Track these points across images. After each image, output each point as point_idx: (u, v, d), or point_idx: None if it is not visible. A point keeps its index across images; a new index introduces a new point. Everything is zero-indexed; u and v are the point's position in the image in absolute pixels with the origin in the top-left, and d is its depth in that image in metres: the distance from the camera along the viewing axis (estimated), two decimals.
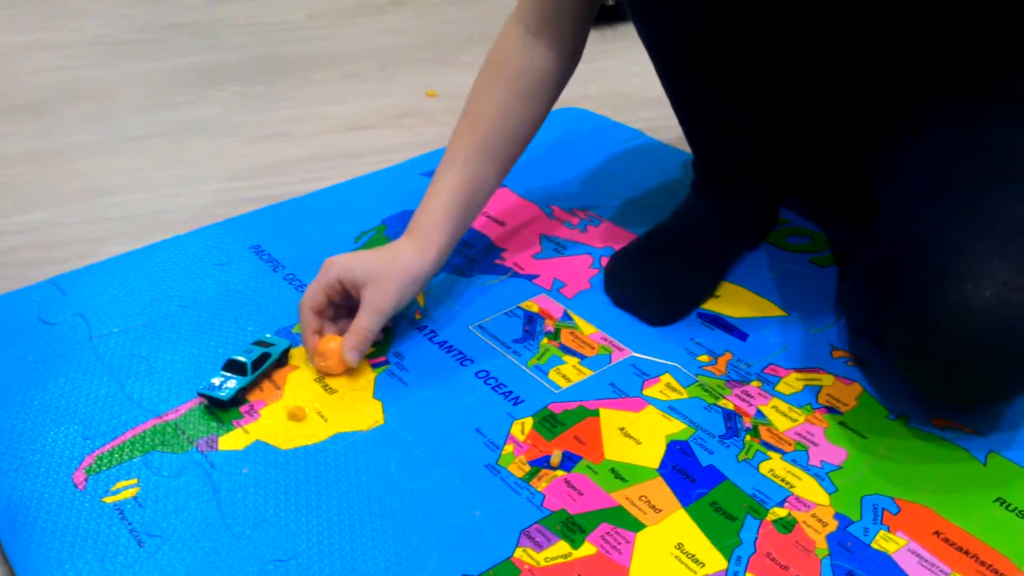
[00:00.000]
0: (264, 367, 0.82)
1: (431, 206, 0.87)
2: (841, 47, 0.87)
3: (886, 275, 0.74)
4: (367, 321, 0.81)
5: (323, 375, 0.82)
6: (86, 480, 0.72)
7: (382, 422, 0.78)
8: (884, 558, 0.64)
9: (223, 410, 0.79)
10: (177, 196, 1.14)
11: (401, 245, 0.86)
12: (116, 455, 0.74)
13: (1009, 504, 0.68)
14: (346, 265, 0.83)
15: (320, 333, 0.84)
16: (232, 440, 0.76)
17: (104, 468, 0.73)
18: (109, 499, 0.70)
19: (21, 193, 1.16)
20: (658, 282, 0.91)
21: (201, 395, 0.79)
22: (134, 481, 0.72)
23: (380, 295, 0.82)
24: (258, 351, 0.82)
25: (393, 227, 1.05)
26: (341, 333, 0.83)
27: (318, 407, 0.79)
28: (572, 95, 1.24)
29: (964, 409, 0.76)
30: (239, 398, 0.79)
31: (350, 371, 0.82)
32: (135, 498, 0.70)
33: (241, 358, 0.80)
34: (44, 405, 0.79)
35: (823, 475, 0.71)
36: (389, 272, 0.83)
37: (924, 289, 0.68)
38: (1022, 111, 0.79)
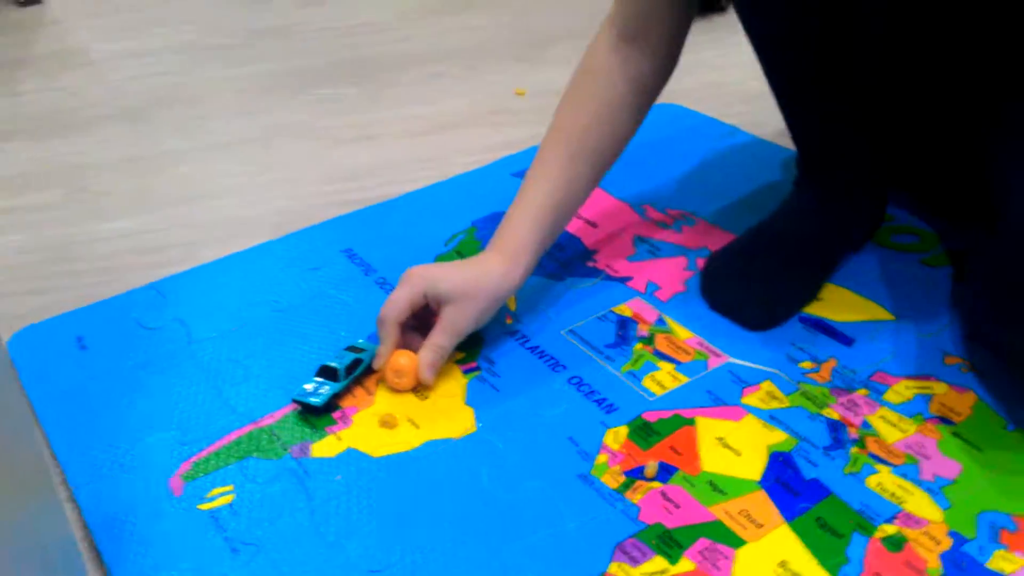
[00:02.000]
0: (356, 372, 0.81)
1: (518, 222, 0.85)
2: (953, 40, 0.82)
3: (1014, 281, 0.70)
4: (446, 340, 0.80)
5: (394, 390, 0.81)
6: (183, 486, 0.73)
7: (474, 430, 0.77)
8: None
9: (316, 416, 0.79)
10: (269, 200, 1.15)
11: (488, 262, 0.83)
12: (212, 461, 0.75)
13: None
14: (432, 280, 0.81)
15: (398, 347, 0.82)
16: (325, 447, 0.76)
17: (201, 474, 0.74)
18: (205, 506, 0.71)
19: (118, 200, 1.18)
20: (758, 285, 0.88)
21: (295, 401, 0.79)
22: (230, 488, 0.73)
23: (461, 315, 0.80)
24: (350, 357, 0.82)
25: (484, 228, 1.04)
26: (408, 346, 0.82)
27: (410, 414, 0.79)
28: (665, 89, 1.21)
29: None
30: (332, 404, 0.79)
31: (437, 377, 0.82)
32: (230, 505, 0.71)
33: (333, 364, 0.81)
34: (143, 411, 0.81)
35: (936, 490, 0.67)
36: (474, 292, 0.81)
37: None
38: None
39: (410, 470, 0.73)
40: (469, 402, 0.80)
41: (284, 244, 1.03)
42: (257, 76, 1.52)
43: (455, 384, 0.82)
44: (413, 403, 0.80)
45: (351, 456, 0.75)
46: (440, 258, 0.99)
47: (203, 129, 1.35)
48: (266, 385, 0.83)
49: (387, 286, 0.95)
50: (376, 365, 0.81)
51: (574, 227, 1.03)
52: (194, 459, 0.75)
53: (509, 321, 0.89)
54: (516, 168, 1.16)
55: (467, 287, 0.81)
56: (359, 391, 0.81)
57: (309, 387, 0.80)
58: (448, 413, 0.79)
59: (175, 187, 1.20)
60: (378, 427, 0.78)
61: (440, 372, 0.82)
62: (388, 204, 1.11)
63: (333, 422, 0.78)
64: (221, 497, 0.72)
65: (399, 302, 0.81)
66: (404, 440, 0.76)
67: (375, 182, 1.18)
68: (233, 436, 0.77)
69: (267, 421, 0.79)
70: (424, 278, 0.81)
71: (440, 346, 0.80)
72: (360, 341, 0.85)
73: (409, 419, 0.78)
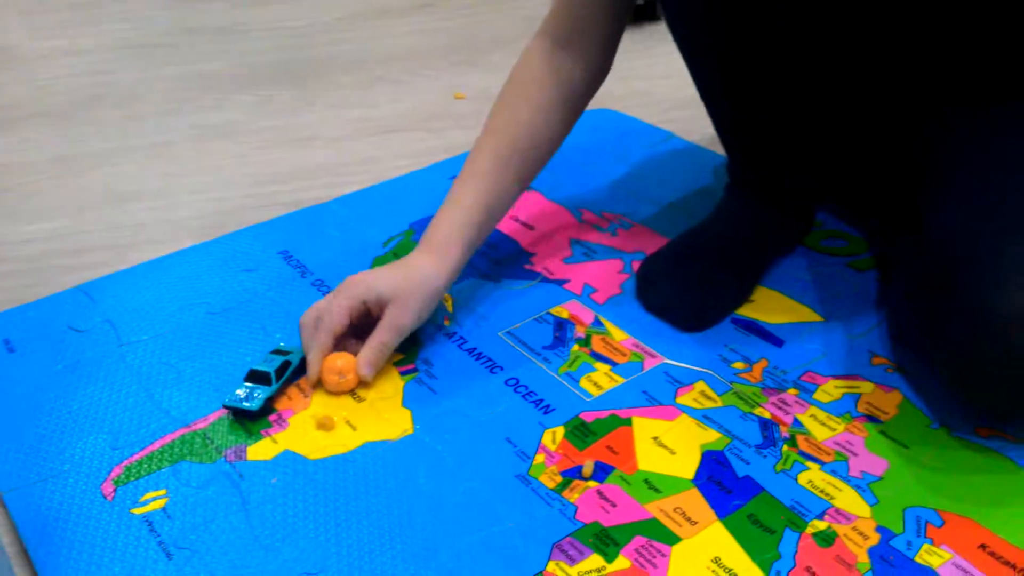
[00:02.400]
0: (287, 375, 0.81)
1: (448, 220, 0.86)
2: (882, 49, 0.85)
3: (936, 286, 0.72)
4: (388, 337, 0.81)
5: (334, 393, 0.81)
6: (115, 491, 0.71)
7: (411, 431, 0.77)
8: (928, 573, 0.62)
9: (252, 421, 0.78)
10: (203, 202, 1.14)
11: (419, 261, 0.84)
12: (145, 465, 0.74)
13: None
14: (369, 285, 0.81)
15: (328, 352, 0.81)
16: (260, 450, 0.75)
17: (133, 479, 0.72)
18: (138, 510, 0.70)
19: (46, 200, 1.16)
20: (691, 287, 0.90)
21: (227, 407, 0.78)
22: (163, 492, 0.71)
23: (401, 313, 0.81)
24: (278, 360, 0.81)
25: (421, 231, 1.02)
26: (344, 349, 0.82)
27: (347, 416, 0.78)
28: (598, 95, 1.23)
29: (1017, 422, 0.73)
30: (266, 408, 0.79)
31: (374, 379, 0.81)
32: (163, 509, 0.70)
33: (263, 368, 0.80)
34: (73, 414, 0.79)
35: (864, 486, 0.69)
36: (410, 290, 0.82)
37: (977, 300, 0.66)
38: None
39: (347, 472, 0.73)
40: (406, 404, 0.80)
41: (218, 245, 1.02)
42: (192, 76, 1.50)
43: (392, 386, 0.81)
44: (350, 405, 0.79)
45: (287, 458, 0.74)
46: (377, 260, 0.99)
47: (133, 129, 1.33)
48: (199, 388, 0.81)
49: (324, 288, 0.94)
50: (310, 374, 0.80)
51: (511, 229, 1.03)
52: (126, 463, 0.74)
53: (447, 323, 0.89)
54: (454, 171, 1.16)
55: (404, 285, 0.82)
56: (295, 393, 0.81)
57: (241, 392, 0.79)
58: (385, 415, 0.78)
59: (103, 188, 1.18)
60: (315, 429, 0.77)
61: (378, 375, 0.82)
62: (325, 206, 1.10)
63: (269, 425, 0.77)
64: (154, 501, 0.71)
65: (339, 312, 0.80)
66: (341, 442, 0.76)
67: (310, 184, 1.17)
68: (166, 440, 0.76)
69: (200, 425, 0.78)
70: (361, 284, 0.82)
71: (384, 344, 0.81)
72: (282, 344, 0.85)
73: (346, 421, 0.78)
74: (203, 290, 0.95)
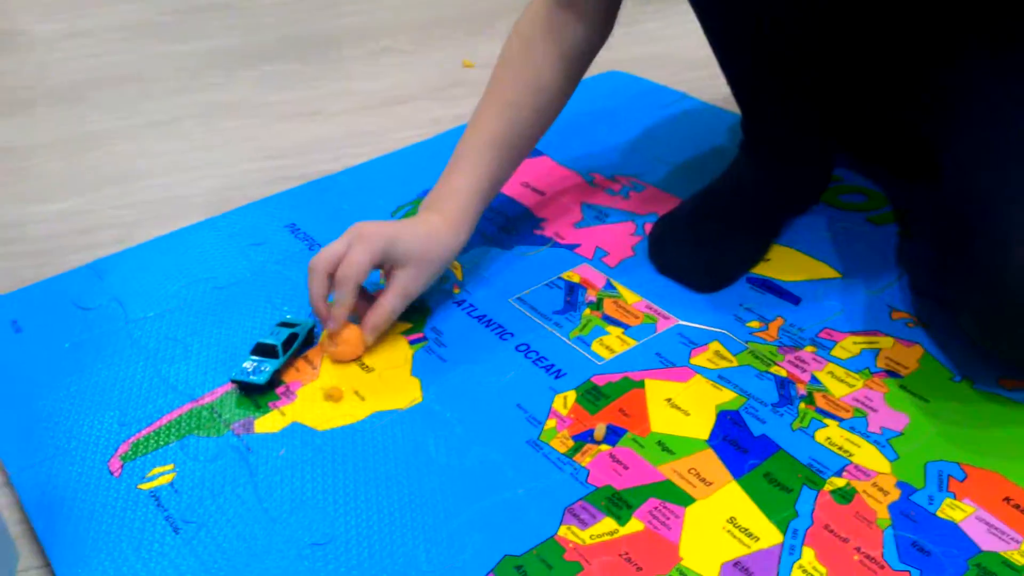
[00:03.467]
0: (294, 347, 0.80)
1: (459, 185, 0.84)
2: (896, 3, 0.82)
3: (955, 234, 0.70)
4: (398, 303, 0.80)
5: (338, 361, 0.79)
6: (122, 467, 0.71)
7: (420, 400, 0.75)
8: (951, 527, 0.60)
9: (260, 394, 0.77)
10: (210, 177, 1.13)
11: (433, 225, 0.82)
12: (152, 441, 0.73)
13: None
14: (390, 241, 0.78)
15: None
16: (268, 422, 0.74)
17: (140, 454, 0.72)
18: (145, 486, 0.69)
19: (53, 180, 1.15)
20: (705, 247, 0.87)
21: (235, 382, 0.77)
22: (170, 467, 0.71)
23: (412, 279, 0.80)
24: (285, 332, 0.80)
25: None
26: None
27: (355, 386, 0.77)
28: (613, 57, 1.21)
29: None
30: (275, 380, 0.78)
31: (382, 349, 0.80)
32: (171, 484, 0.69)
33: (270, 341, 0.79)
34: (81, 391, 0.79)
35: (884, 442, 0.67)
36: (427, 256, 0.80)
37: (995, 247, 0.64)
38: None
39: (356, 442, 0.72)
40: (416, 373, 0.78)
41: (225, 221, 1.01)
42: (198, 53, 1.49)
43: (401, 355, 0.80)
44: (359, 376, 0.78)
45: (295, 431, 0.73)
46: None
47: (141, 108, 1.32)
48: (206, 363, 0.81)
49: None
50: (333, 328, 0.78)
51: (520, 194, 1.01)
52: (133, 439, 0.73)
53: (456, 291, 0.88)
54: None
55: (422, 250, 0.80)
56: (303, 365, 0.80)
57: (249, 366, 0.78)
58: (394, 385, 0.77)
59: (111, 167, 1.17)
60: (323, 401, 0.76)
61: (386, 343, 0.81)
62: (333, 178, 1.09)
63: (276, 397, 0.76)
64: (161, 476, 0.70)
65: (361, 264, 0.77)
66: (349, 413, 0.75)
67: (319, 158, 1.16)
68: (173, 415, 0.75)
69: (208, 399, 0.77)
70: (382, 238, 0.78)
71: (391, 309, 0.79)
72: (289, 316, 0.84)
73: (355, 392, 0.77)
74: (210, 265, 0.94)
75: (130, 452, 0.72)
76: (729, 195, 0.91)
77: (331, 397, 0.76)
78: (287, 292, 0.89)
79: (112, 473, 0.70)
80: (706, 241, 0.88)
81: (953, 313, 0.74)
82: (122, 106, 1.33)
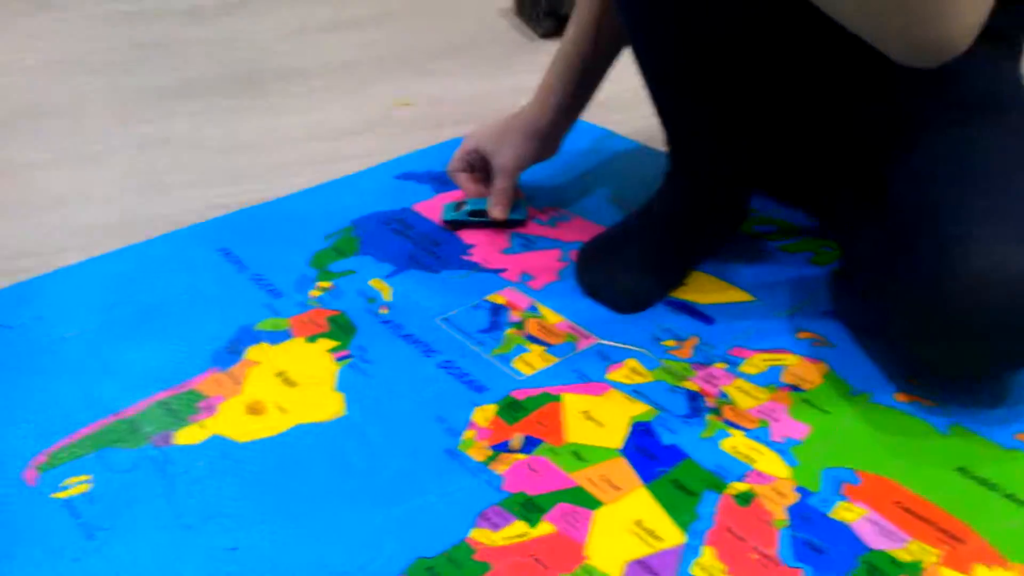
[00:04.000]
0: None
1: (549, 70, 1.01)
2: (832, 46, 0.85)
3: (897, 247, 0.73)
4: (501, 183, 1.01)
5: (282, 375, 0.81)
6: (38, 477, 0.71)
7: (343, 413, 0.77)
8: (842, 527, 0.63)
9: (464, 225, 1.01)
10: (142, 205, 1.13)
11: (523, 107, 1.01)
12: (69, 452, 0.73)
13: (969, 472, 0.67)
14: (475, 137, 1.02)
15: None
16: (188, 435, 0.75)
17: (57, 464, 0.72)
18: (59, 495, 0.69)
19: None
20: (627, 270, 0.90)
21: (448, 222, 1.02)
22: (87, 477, 0.71)
23: (504, 158, 1.00)
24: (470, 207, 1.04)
25: (362, 227, 1.04)
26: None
27: (278, 401, 0.78)
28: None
29: (972, 377, 0.75)
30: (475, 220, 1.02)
31: (307, 365, 0.82)
32: (86, 493, 0.69)
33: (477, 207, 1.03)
34: (1, 406, 0.78)
35: (785, 450, 0.70)
36: (509, 133, 1.00)
37: (937, 255, 0.67)
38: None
39: (276, 453, 0.73)
40: (340, 388, 0.80)
41: (156, 245, 1.02)
42: (136, 89, 1.50)
43: (326, 372, 0.81)
44: (282, 390, 0.79)
45: (215, 442, 0.74)
46: (317, 255, 0.99)
47: (71, 140, 1.33)
48: (128, 378, 0.81)
49: (263, 282, 0.94)
50: (490, 211, 1.01)
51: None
52: (50, 450, 0.73)
53: (384, 311, 0.90)
54: (398, 172, 1.18)
55: (503, 129, 1.01)
56: (226, 380, 0.81)
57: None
58: (317, 399, 0.78)
59: (42, 195, 1.17)
60: (245, 414, 0.77)
61: (310, 360, 0.82)
62: (268, 205, 1.11)
63: (197, 411, 0.77)
64: (77, 486, 0.70)
65: (454, 159, 1.04)
66: (271, 425, 0.76)
67: (253, 188, 1.17)
68: (93, 428, 0.76)
69: (129, 412, 0.77)
70: (471, 138, 1.03)
71: (499, 189, 1.01)
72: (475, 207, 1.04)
73: (277, 405, 0.78)
74: (138, 287, 0.94)
75: (47, 463, 0.72)
76: (652, 221, 0.94)
77: (253, 410, 0.77)
78: (214, 312, 0.90)
79: (26, 482, 0.70)
80: (629, 265, 0.91)
81: (872, 334, 0.78)
82: (53, 139, 1.33)
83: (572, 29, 1.00)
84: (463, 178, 1.06)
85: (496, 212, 1.01)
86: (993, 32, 0.77)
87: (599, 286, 0.90)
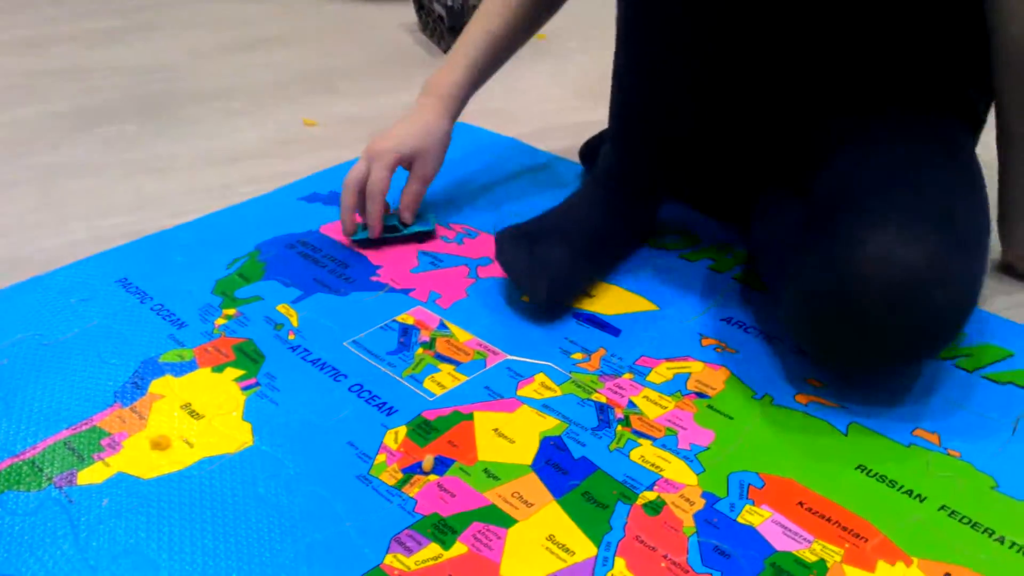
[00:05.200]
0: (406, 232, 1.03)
1: (456, 63, 1.03)
2: (780, 61, 0.88)
3: (804, 240, 0.77)
4: (420, 187, 1.03)
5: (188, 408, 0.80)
6: None
7: (251, 443, 0.76)
8: (749, 531, 0.65)
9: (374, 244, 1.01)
10: (42, 238, 1.10)
11: (429, 112, 1.02)
12: None
13: (869, 470, 0.69)
14: (397, 153, 1.00)
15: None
16: (92, 474, 0.73)
17: None
18: None
19: None
20: (546, 266, 0.89)
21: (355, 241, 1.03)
22: None
23: (425, 166, 1.02)
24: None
25: (267, 251, 1.03)
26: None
27: (184, 434, 0.77)
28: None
29: (865, 370, 0.77)
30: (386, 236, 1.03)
31: (213, 396, 0.81)
32: None
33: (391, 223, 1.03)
34: None
35: (691, 457, 0.72)
36: (430, 146, 1.01)
37: (836, 247, 0.70)
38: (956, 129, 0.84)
39: (183, 488, 0.71)
40: (247, 418, 0.79)
41: (53, 278, 0.99)
42: (39, 117, 1.46)
43: (232, 401, 0.80)
44: (187, 423, 0.78)
45: (120, 480, 0.72)
46: (220, 282, 0.97)
47: None
48: (29, 417, 0.79)
49: (164, 312, 0.93)
50: (375, 235, 1.02)
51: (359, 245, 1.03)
52: None
53: (292, 337, 0.89)
54: (303, 193, 1.17)
55: (425, 142, 1.01)
56: (129, 415, 0.79)
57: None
58: (224, 430, 0.77)
59: None
60: (150, 450, 0.75)
61: (216, 390, 0.81)
62: (167, 233, 1.09)
63: (101, 449, 0.75)
64: None
65: (384, 179, 1.00)
66: (177, 460, 0.74)
67: (157, 215, 1.15)
68: None
69: (29, 454, 0.75)
70: (392, 152, 1.00)
71: (419, 192, 1.03)
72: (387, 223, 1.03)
73: (183, 439, 0.76)
74: (36, 322, 0.92)
75: None
76: (576, 221, 0.94)
77: (158, 446, 0.76)
78: (116, 345, 0.88)
79: None
80: (544, 252, 0.90)
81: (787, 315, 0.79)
82: None
83: (492, 21, 1.03)
84: (382, 200, 1.01)
85: (410, 216, 1.03)
86: (964, 99, 0.82)
87: (519, 271, 0.89)
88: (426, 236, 1.05)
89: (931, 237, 0.68)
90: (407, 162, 1.02)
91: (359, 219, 1.04)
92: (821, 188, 0.81)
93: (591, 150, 1.14)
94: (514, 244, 0.92)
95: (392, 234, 1.03)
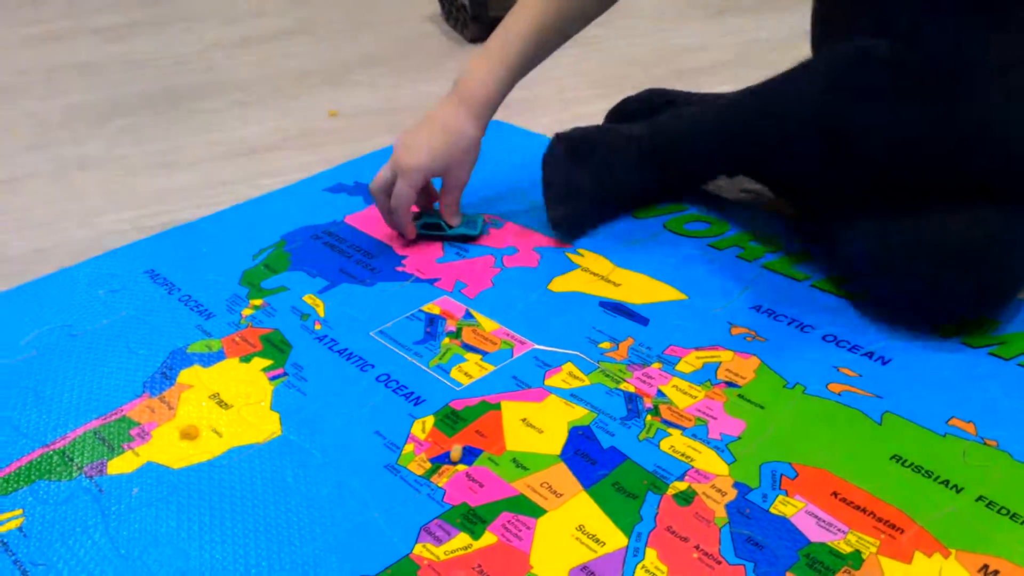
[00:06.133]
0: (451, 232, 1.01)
1: (491, 64, 0.96)
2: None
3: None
4: (455, 196, 0.99)
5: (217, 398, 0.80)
6: None
7: (279, 433, 0.76)
8: (782, 521, 0.64)
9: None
10: (64, 231, 1.11)
11: (462, 120, 0.96)
12: (0, 487, 0.71)
13: (904, 460, 0.68)
14: (428, 169, 0.95)
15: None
16: (122, 464, 0.73)
17: None
18: None
19: None
20: (575, 194, 0.99)
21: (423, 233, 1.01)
22: (19, 512, 0.69)
23: (458, 177, 0.98)
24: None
25: (293, 242, 1.03)
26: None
27: (212, 424, 0.77)
28: None
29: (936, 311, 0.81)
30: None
31: (241, 386, 0.81)
32: (19, 528, 0.67)
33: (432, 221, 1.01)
34: None
35: (722, 447, 0.71)
36: (460, 158, 0.96)
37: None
38: None
39: (212, 478, 0.72)
40: (275, 408, 0.79)
41: (82, 270, 1.00)
42: (54, 111, 1.47)
43: (260, 391, 0.80)
44: (216, 413, 0.78)
45: (150, 470, 0.72)
46: (247, 272, 0.97)
47: None
48: (58, 408, 0.79)
49: (192, 303, 0.93)
50: (409, 238, 1.00)
51: (386, 235, 1.03)
52: None
53: (318, 327, 0.89)
54: (328, 184, 1.17)
55: (454, 155, 0.96)
56: (158, 405, 0.79)
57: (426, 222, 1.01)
58: (253, 420, 0.77)
59: None
60: (179, 440, 0.76)
61: (244, 380, 0.81)
62: (193, 225, 1.09)
63: (130, 439, 0.76)
64: (9, 522, 0.68)
65: (409, 195, 0.96)
66: (206, 449, 0.74)
67: (179, 206, 1.15)
68: (23, 461, 0.74)
69: (59, 444, 0.75)
70: (420, 172, 0.95)
71: (456, 200, 0.99)
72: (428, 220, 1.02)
73: (212, 429, 0.76)
74: (65, 313, 0.92)
75: None
76: (619, 168, 1.00)
77: (187, 435, 0.76)
78: (144, 336, 0.88)
79: None
80: (579, 181, 0.99)
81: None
82: None
83: (536, 12, 0.95)
84: (409, 214, 1.00)
85: (456, 220, 1.01)
86: None
87: (550, 189, 1.00)
88: (472, 238, 1.02)
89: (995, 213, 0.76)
90: (440, 175, 0.98)
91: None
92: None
93: (623, 115, 1.14)
94: (558, 159, 0.99)
95: (435, 232, 1.01)
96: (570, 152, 1.00)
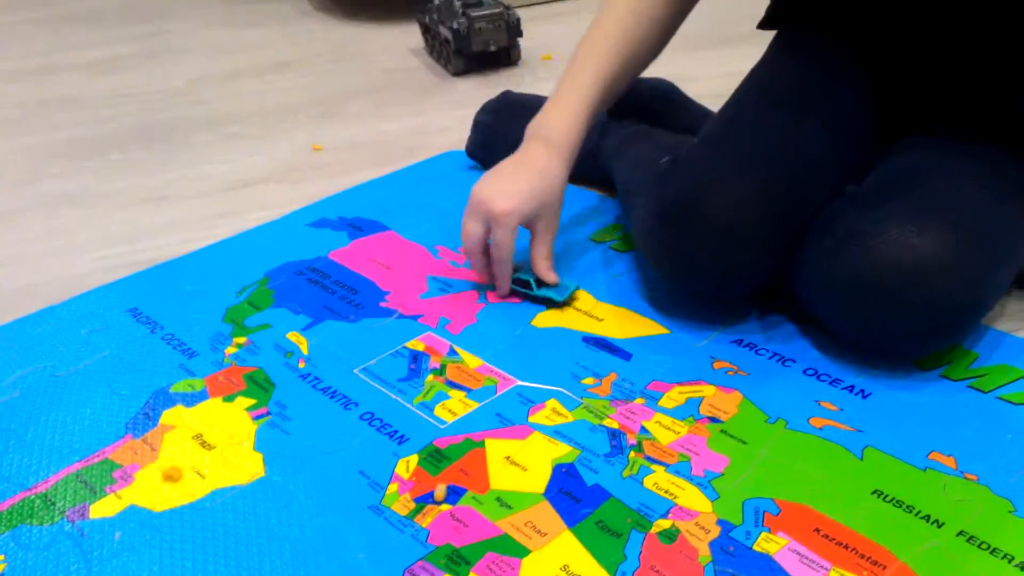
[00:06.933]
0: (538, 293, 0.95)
1: (568, 104, 0.94)
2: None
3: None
4: (547, 248, 0.95)
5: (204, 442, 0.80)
6: None
7: (262, 474, 0.76)
8: (765, 559, 0.64)
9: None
10: (50, 268, 1.10)
11: (545, 162, 0.93)
12: None
13: (886, 495, 0.69)
14: (522, 215, 0.91)
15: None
16: (104, 507, 0.73)
17: None
18: None
19: None
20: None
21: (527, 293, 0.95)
22: (0, 558, 0.69)
23: (549, 223, 0.94)
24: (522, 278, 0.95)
25: (276, 279, 1.03)
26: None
27: (195, 465, 0.77)
28: (449, 141, 1.27)
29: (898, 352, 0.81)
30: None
31: (224, 426, 0.80)
32: (1, 574, 0.67)
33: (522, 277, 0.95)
34: None
35: (705, 483, 0.71)
36: (552, 202, 0.93)
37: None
38: None
39: (195, 520, 0.71)
40: (258, 448, 0.78)
41: (64, 309, 1.00)
42: (40, 145, 1.47)
43: (244, 431, 0.80)
44: (199, 454, 0.78)
45: (132, 513, 0.72)
46: (231, 310, 0.97)
47: None
48: (40, 451, 0.79)
49: (175, 341, 0.93)
50: (503, 294, 0.96)
51: (368, 269, 1.03)
52: None
53: (302, 365, 0.89)
54: (311, 219, 1.17)
55: (547, 200, 0.93)
56: (141, 447, 0.79)
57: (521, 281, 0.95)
58: (235, 461, 0.77)
59: None
60: (161, 482, 0.75)
61: (227, 420, 0.81)
62: (176, 262, 1.09)
63: (112, 481, 0.75)
64: None
65: (510, 247, 0.92)
66: (189, 492, 0.74)
67: (165, 242, 1.15)
68: (4, 506, 0.73)
69: (41, 488, 0.75)
70: (513, 215, 0.91)
71: (550, 250, 0.95)
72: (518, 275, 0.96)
73: (195, 470, 0.76)
74: (48, 353, 0.92)
75: None
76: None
77: (170, 478, 0.75)
78: (127, 376, 0.88)
79: None
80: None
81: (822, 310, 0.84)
82: None
83: (597, 48, 0.94)
84: (510, 265, 0.95)
85: (552, 275, 0.94)
86: None
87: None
88: (555, 304, 0.95)
89: (946, 233, 0.74)
90: (530, 223, 0.93)
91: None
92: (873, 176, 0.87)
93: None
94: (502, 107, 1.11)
95: (523, 289, 0.95)
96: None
